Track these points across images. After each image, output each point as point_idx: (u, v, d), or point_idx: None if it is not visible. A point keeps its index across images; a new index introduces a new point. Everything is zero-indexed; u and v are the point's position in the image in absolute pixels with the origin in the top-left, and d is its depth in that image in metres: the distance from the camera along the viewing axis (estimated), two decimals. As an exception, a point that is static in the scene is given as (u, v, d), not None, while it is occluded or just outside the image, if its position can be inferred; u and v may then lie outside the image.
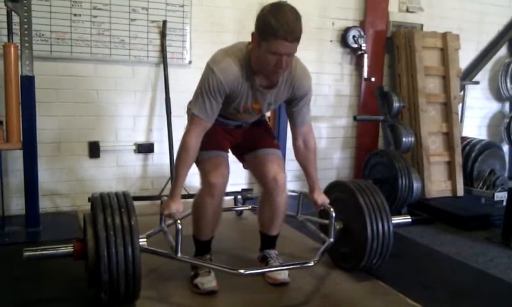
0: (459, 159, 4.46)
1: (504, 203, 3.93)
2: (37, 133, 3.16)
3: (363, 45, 4.36)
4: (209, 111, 2.18)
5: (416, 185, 3.80)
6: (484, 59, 5.10)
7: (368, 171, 4.12)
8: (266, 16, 2.02)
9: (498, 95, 5.31)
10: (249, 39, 2.15)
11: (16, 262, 2.40)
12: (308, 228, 2.89)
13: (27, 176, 3.13)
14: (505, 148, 5.18)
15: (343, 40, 4.44)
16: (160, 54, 3.81)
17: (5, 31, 3.12)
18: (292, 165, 4.04)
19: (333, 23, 4.43)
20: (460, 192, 4.42)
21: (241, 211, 3.64)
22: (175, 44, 3.85)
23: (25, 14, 3.00)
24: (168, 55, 3.78)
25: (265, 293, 2.40)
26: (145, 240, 2.23)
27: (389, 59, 4.70)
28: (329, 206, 2.51)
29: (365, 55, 4.36)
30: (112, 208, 2.05)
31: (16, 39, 3.08)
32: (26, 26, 3.01)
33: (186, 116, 2.40)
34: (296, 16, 2.04)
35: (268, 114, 3.02)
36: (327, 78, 4.50)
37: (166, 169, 3.81)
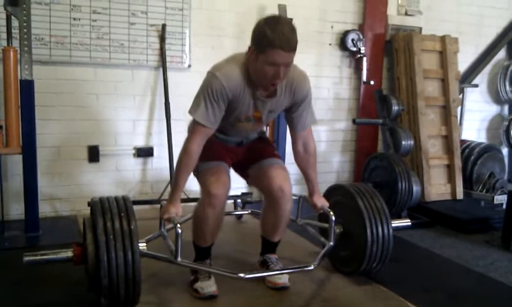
0: (458, 162, 4.46)
1: (504, 206, 3.93)
2: (36, 137, 3.15)
3: (362, 48, 4.37)
4: (211, 117, 2.18)
5: (415, 188, 3.81)
6: (483, 62, 5.11)
7: (368, 175, 4.12)
8: (262, 28, 2.05)
9: (497, 98, 5.31)
10: (248, 41, 2.15)
11: (16, 267, 2.40)
12: (308, 232, 2.89)
13: (27, 181, 3.13)
14: (505, 150, 5.18)
15: (342, 43, 4.45)
16: (159, 57, 3.81)
17: (4, 35, 3.12)
18: (291, 169, 4.02)
19: (332, 27, 4.44)
20: (460, 195, 4.42)
21: (241, 215, 3.64)
22: (175, 48, 3.85)
23: (25, 18, 3.00)
24: (168, 59, 3.79)
25: (265, 298, 2.40)
26: (145, 244, 2.23)
27: (388, 62, 4.71)
28: (329, 209, 2.51)
29: (364, 59, 4.37)
30: (111, 212, 2.04)
31: (15, 43, 3.07)
32: (25, 30, 3.01)
33: (186, 121, 2.39)
34: (291, 27, 2.07)
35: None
36: (326, 82, 4.50)
37: (166, 173, 3.81)
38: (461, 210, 4.05)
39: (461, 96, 4.87)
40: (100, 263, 1.94)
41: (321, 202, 2.55)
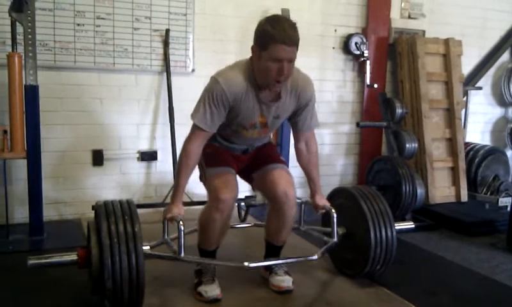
0: (462, 165, 4.45)
1: (509, 209, 3.92)
2: (41, 142, 3.17)
3: (366, 51, 4.37)
4: (209, 121, 2.20)
5: (420, 191, 3.79)
6: (486, 65, 5.10)
7: (372, 178, 4.12)
8: (264, 26, 2.08)
9: (501, 100, 5.30)
10: (251, 45, 2.17)
11: (20, 270, 2.41)
12: (311, 236, 2.89)
13: (31, 185, 3.14)
14: (509, 153, 5.15)
15: (345, 47, 4.46)
16: (163, 62, 3.83)
17: (9, 41, 3.15)
18: (295, 172, 4.03)
19: (335, 30, 4.44)
20: (464, 197, 4.40)
21: (245, 217, 3.62)
22: (178, 52, 3.87)
23: (29, 24, 3.03)
24: (171, 63, 3.81)
25: (269, 300, 2.40)
26: (148, 246, 2.25)
27: (391, 65, 4.71)
28: (331, 207, 2.52)
29: (368, 62, 4.37)
30: (116, 215, 2.06)
31: (20, 49, 3.10)
32: (30, 36, 3.03)
33: (190, 125, 2.40)
34: (292, 24, 2.09)
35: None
36: (330, 85, 4.51)
37: (170, 177, 3.81)
38: (466, 213, 4.04)
39: (465, 98, 4.86)
40: (104, 266, 1.95)
41: (323, 202, 2.56)
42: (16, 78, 3.04)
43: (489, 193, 4.43)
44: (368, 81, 4.38)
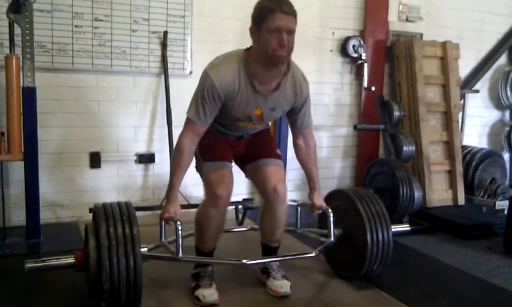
0: (459, 168, 4.46)
1: (506, 212, 3.91)
2: (38, 144, 3.17)
3: (363, 54, 4.38)
4: (202, 116, 2.20)
5: (417, 194, 3.80)
6: (483, 68, 5.12)
7: (369, 180, 4.12)
8: (260, 3, 2.11)
9: (498, 104, 5.31)
10: (249, 27, 2.18)
11: (17, 274, 2.40)
12: (308, 238, 2.89)
13: (28, 187, 3.14)
14: (506, 156, 5.17)
15: (343, 50, 4.46)
16: (161, 64, 3.82)
17: (7, 43, 3.14)
18: (293, 175, 4.06)
19: (333, 33, 4.45)
20: (461, 201, 4.41)
21: (242, 220, 3.62)
22: (176, 54, 3.87)
23: (27, 25, 3.02)
24: (169, 65, 3.80)
25: (266, 304, 2.40)
26: (146, 248, 2.26)
27: (389, 68, 4.71)
28: (327, 207, 2.53)
29: (365, 65, 4.37)
30: (114, 218, 2.06)
31: (18, 50, 3.09)
32: (28, 37, 3.03)
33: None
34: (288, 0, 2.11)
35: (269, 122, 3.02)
36: (327, 88, 4.51)
37: (167, 179, 3.76)
38: (463, 216, 4.04)
39: (462, 101, 4.87)
40: (102, 269, 1.95)
41: (320, 202, 2.57)
42: (14, 80, 3.03)
43: (486, 196, 4.44)
44: (365, 84, 4.38)
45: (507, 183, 4.78)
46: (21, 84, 3.05)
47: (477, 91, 5.05)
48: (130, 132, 3.84)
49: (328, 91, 4.52)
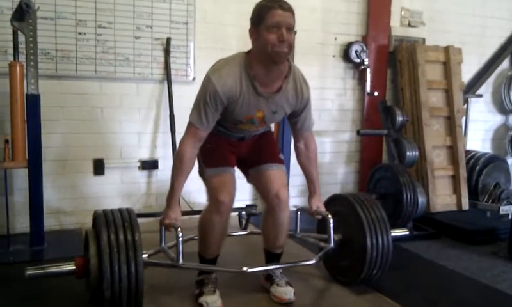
0: (463, 173, 4.45)
1: (510, 217, 3.91)
2: (42, 151, 3.17)
3: (366, 59, 4.38)
4: (204, 120, 2.21)
5: (421, 199, 3.79)
6: (486, 72, 5.12)
7: (373, 186, 4.11)
8: (257, 5, 2.15)
9: (501, 108, 5.31)
10: (248, 29, 2.21)
11: (20, 281, 2.39)
12: (307, 243, 2.89)
13: (32, 194, 3.14)
14: (510, 161, 5.15)
15: (345, 55, 4.47)
16: (164, 71, 3.83)
17: (11, 50, 3.15)
18: (297, 181, 4.05)
19: (335, 39, 4.46)
20: (465, 205, 4.40)
21: (246, 226, 3.63)
22: (179, 61, 3.88)
23: (31, 33, 3.04)
24: (172, 72, 3.82)
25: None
26: (146, 254, 2.25)
27: (392, 73, 4.72)
28: (327, 212, 2.53)
29: (368, 70, 4.38)
30: (116, 224, 2.05)
31: (22, 57, 3.10)
32: (32, 45, 3.04)
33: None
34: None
35: (272, 127, 3.01)
36: (330, 93, 4.52)
37: (170, 186, 3.81)
38: (467, 221, 4.03)
39: (465, 106, 4.86)
40: (103, 275, 1.94)
41: (319, 205, 2.57)
42: (18, 87, 3.04)
43: (490, 201, 4.42)
44: (368, 89, 4.39)
45: (511, 187, 4.76)
46: (25, 91, 3.06)
47: (480, 96, 5.05)
48: (134, 138, 3.85)
49: (330, 96, 4.52)
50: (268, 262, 2.60)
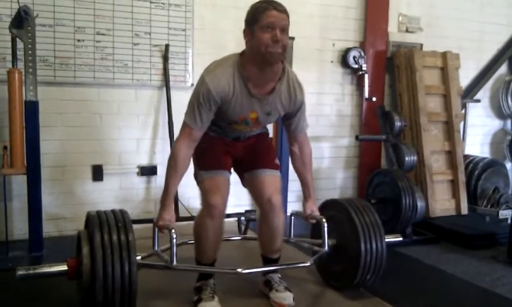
0: (462, 177, 4.45)
1: (509, 221, 3.92)
2: (41, 157, 3.17)
3: (364, 65, 4.39)
4: (199, 120, 2.22)
5: (420, 204, 3.79)
6: (484, 78, 5.13)
7: (372, 191, 4.11)
8: (252, 6, 2.16)
9: (499, 113, 5.32)
10: (243, 29, 2.22)
11: (18, 288, 2.39)
12: (301, 247, 2.88)
13: (31, 201, 3.13)
14: (509, 165, 5.16)
15: (343, 61, 4.48)
16: (162, 77, 3.84)
17: (10, 57, 3.16)
18: (294, 186, 4.04)
19: (333, 45, 4.47)
20: (464, 210, 4.40)
21: (245, 231, 3.61)
22: (178, 67, 3.89)
23: (30, 40, 3.04)
24: (171, 78, 3.83)
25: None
26: (140, 256, 2.21)
27: (390, 78, 4.73)
28: (321, 216, 2.53)
29: (366, 76, 4.39)
30: (109, 224, 2.02)
31: (20, 64, 3.11)
32: (30, 52, 3.05)
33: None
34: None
35: (271, 132, 3.01)
36: (328, 99, 4.53)
37: (169, 192, 3.80)
38: (466, 226, 4.03)
39: (463, 111, 4.88)
40: (96, 277, 1.91)
41: (313, 210, 2.57)
42: (17, 94, 3.04)
43: (489, 206, 4.42)
44: (366, 94, 4.40)
45: (510, 192, 4.76)
46: (23, 98, 3.06)
47: (478, 101, 5.07)
48: (132, 144, 3.85)
49: (329, 101, 4.53)
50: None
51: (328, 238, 2.52)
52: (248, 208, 3.83)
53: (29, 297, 2.47)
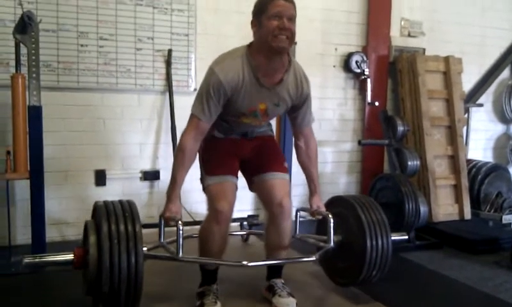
0: (465, 182, 4.44)
1: (512, 226, 3.90)
2: (44, 162, 3.17)
3: (366, 69, 4.40)
4: (207, 111, 2.23)
5: (423, 208, 3.77)
6: (487, 82, 5.13)
7: (375, 196, 4.10)
8: None
9: (502, 117, 5.31)
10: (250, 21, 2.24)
11: (22, 293, 2.39)
12: (307, 243, 2.85)
13: (34, 206, 3.13)
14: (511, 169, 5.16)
15: (346, 65, 4.49)
16: (165, 82, 3.86)
17: (13, 62, 3.16)
18: (298, 191, 4.05)
19: (336, 49, 4.48)
20: (467, 215, 4.39)
21: (247, 236, 3.62)
22: (180, 72, 3.90)
23: (33, 45, 3.05)
24: (174, 83, 3.84)
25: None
26: (145, 248, 2.19)
27: (392, 83, 4.73)
28: (327, 212, 2.52)
29: (368, 80, 4.39)
30: (116, 214, 2.03)
31: (24, 70, 3.11)
32: (34, 57, 3.05)
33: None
34: None
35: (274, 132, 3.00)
36: (331, 103, 4.53)
37: (172, 196, 3.80)
38: (469, 231, 4.01)
39: (466, 115, 4.87)
40: (102, 267, 1.91)
41: (319, 205, 2.56)
42: (20, 99, 3.05)
43: (492, 210, 4.40)
44: (369, 99, 4.40)
45: (513, 196, 4.75)
46: (27, 103, 3.07)
47: (481, 105, 5.06)
48: (136, 149, 3.86)
49: (331, 106, 4.53)
50: (270, 272, 2.58)
51: (333, 234, 2.51)
52: (250, 213, 3.83)
53: (31, 302, 2.47)
